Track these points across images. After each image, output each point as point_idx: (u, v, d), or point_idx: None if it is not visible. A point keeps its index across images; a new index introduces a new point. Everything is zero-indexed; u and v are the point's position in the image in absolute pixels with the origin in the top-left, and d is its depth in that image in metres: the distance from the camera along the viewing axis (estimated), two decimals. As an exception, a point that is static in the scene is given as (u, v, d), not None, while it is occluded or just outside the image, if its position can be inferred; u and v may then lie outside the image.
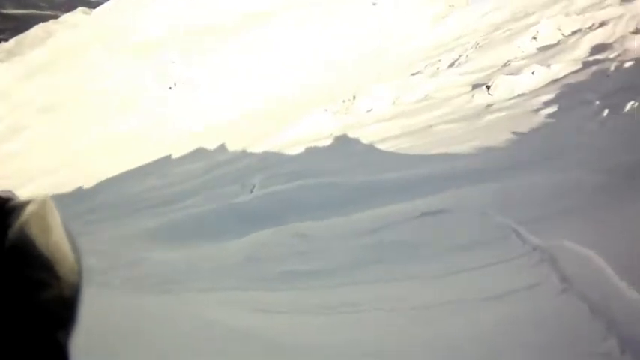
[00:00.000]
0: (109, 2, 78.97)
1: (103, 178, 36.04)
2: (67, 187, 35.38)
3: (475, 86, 31.67)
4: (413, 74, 40.03)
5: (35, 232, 0.71)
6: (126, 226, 21.21)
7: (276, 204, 17.00)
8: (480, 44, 41.18)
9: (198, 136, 42.41)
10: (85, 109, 54.73)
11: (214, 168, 31.20)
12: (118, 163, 38.77)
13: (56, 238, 0.74)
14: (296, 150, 28.03)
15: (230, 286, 9.61)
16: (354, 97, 37.39)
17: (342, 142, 27.03)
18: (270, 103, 48.31)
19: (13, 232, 0.68)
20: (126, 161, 38.96)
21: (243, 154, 31.70)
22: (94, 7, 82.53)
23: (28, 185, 39.93)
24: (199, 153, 36.56)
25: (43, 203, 0.76)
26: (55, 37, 72.79)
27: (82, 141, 49.22)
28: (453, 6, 55.04)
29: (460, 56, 39.86)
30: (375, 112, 33.71)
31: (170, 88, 56.18)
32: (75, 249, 0.78)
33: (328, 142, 27.96)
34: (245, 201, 19.33)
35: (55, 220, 0.76)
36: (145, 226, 19.76)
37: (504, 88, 29.38)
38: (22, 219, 0.71)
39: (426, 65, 41.26)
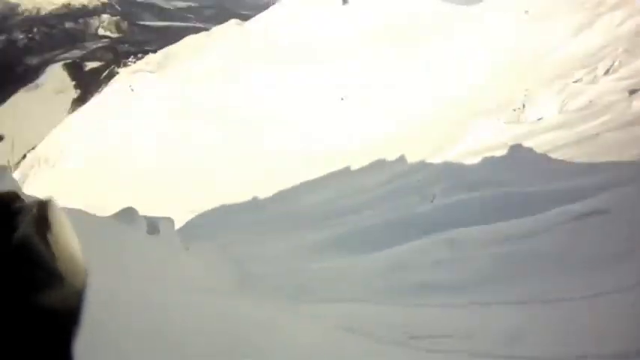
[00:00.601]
0: (262, 14, 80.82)
1: (277, 189, 36.52)
2: (236, 198, 36.58)
3: (632, 92, 30.54)
4: (574, 82, 38.99)
5: (41, 234, 0.75)
6: (296, 238, 21.11)
7: (454, 214, 16.06)
8: (628, 49, 40.02)
9: (374, 148, 42.63)
10: (250, 121, 56.36)
11: (393, 180, 30.62)
12: (291, 175, 39.47)
13: (61, 240, 0.79)
14: (473, 159, 27.61)
15: (360, 298, 9.20)
16: (524, 106, 37.28)
17: (517, 151, 26.17)
18: (441, 112, 48.51)
19: (19, 233, 0.72)
20: (300, 173, 39.57)
21: (422, 165, 31.17)
22: (245, 20, 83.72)
23: (193, 194, 42.54)
24: (377, 165, 36.24)
25: (48, 205, 0.81)
26: (209, 49, 74.42)
27: (252, 151, 50.48)
28: (598, 14, 54.40)
29: (614, 62, 38.76)
30: (545, 121, 32.92)
31: (342, 99, 57.17)
32: (79, 250, 0.82)
33: (504, 151, 26.98)
34: (422, 212, 18.65)
35: (60, 221, 0.81)
36: (315, 237, 19.63)
37: (661, 91, 27.41)
38: (28, 220, 0.75)
39: (585, 73, 40.45)
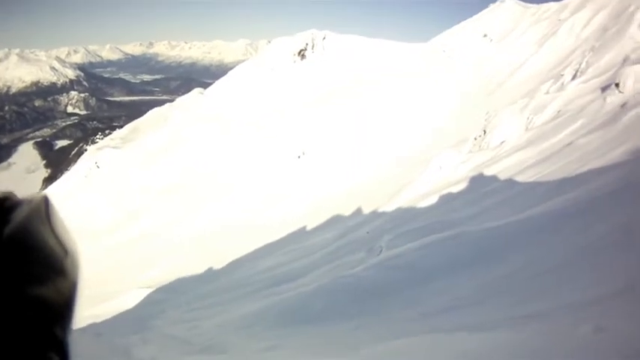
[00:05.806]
0: (220, 80, 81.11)
1: (231, 258, 33.90)
2: (196, 269, 34.05)
3: (604, 89, 27.15)
4: (545, 94, 35.43)
5: (33, 229, 0.71)
6: (236, 310, 17.48)
7: (397, 271, 12.34)
8: (594, 47, 37.74)
9: (332, 204, 40.41)
10: (208, 189, 55.11)
11: (345, 234, 27.98)
12: (246, 241, 37.00)
13: (54, 235, 0.75)
14: (429, 201, 24.64)
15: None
16: (485, 132, 33.78)
17: (478, 182, 23.38)
18: (403, 159, 46.49)
19: (10, 228, 0.68)
20: (256, 238, 37.00)
21: (375, 215, 29.03)
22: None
23: (153, 269, 39.72)
24: (333, 221, 34.09)
25: (41, 201, 0.77)
26: (171, 121, 74.60)
27: (207, 221, 48.64)
28: (560, 20, 52.58)
29: (580, 65, 36.00)
30: (509, 143, 29.39)
31: (299, 157, 55.72)
32: (71, 246, 0.78)
33: (463, 185, 24.25)
34: (358, 271, 14.09)
35: (53, 217, 0.77)
36: (251, 308, 15.68)
37: (634, 80, 24.75)
38: (21, 215, 0.70)
39: (551, 83, 37.72)
